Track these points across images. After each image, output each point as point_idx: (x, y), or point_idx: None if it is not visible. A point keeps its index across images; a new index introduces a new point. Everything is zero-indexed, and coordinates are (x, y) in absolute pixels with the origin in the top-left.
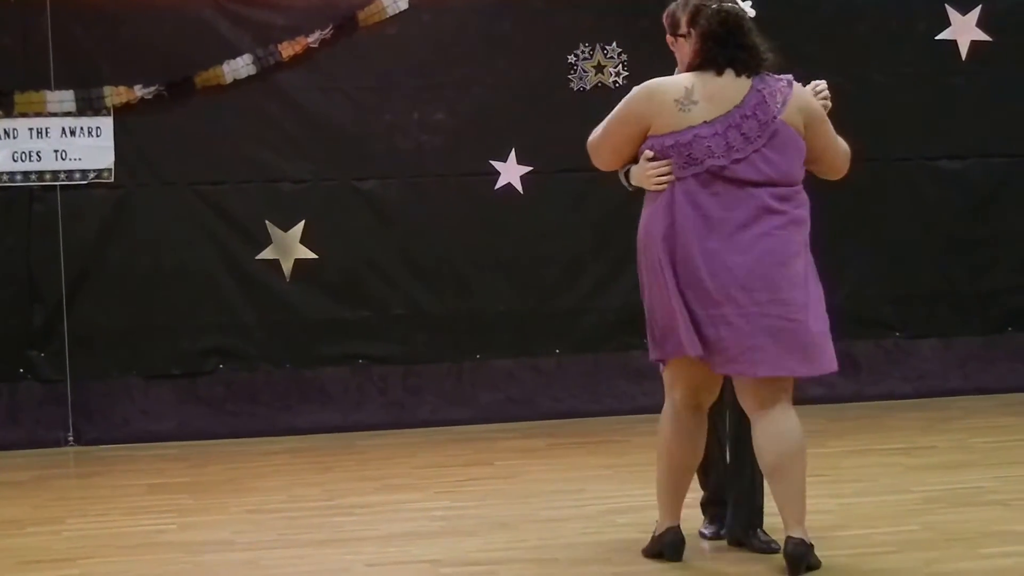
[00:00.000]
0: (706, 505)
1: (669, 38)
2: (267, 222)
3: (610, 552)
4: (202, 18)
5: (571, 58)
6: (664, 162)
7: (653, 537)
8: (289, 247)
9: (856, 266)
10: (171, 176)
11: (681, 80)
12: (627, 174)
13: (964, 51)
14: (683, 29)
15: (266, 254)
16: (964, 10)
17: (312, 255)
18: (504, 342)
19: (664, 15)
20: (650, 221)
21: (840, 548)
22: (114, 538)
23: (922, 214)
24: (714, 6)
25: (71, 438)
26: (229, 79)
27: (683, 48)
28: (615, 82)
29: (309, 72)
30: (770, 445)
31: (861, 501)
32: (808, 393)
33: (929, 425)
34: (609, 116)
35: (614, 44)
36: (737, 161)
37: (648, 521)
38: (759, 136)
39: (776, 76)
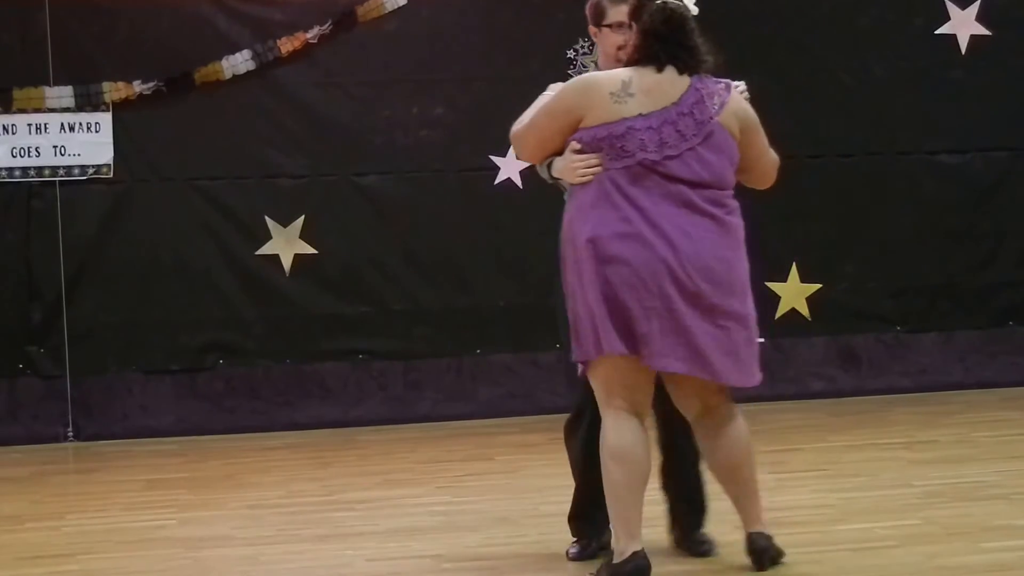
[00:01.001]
0: (572, 519)
1: (592, 28)
2: (266, 217)
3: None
4: (201, 13)
5: (570, 53)
6: (592, 155)
7: (612, 565)
8: (288, 242)
9: (856, 260)
10: (170, 172)
11: (618, 74)
12: (548, 166)
13: (964, 45)
14: (608, 20)
15: (265, 249)
16: (963, 4)
17: (312, 250)
18: (504, 337)
19: (588, 5)
20: (576, 215)
21: (841, 542)
22: (113, 533)
23: (922, 208)
24: (658, 2)
25: (70, 434)
26: (228, 75)
27: (608, 39)
28: None
29: (308, 67)
30: (724, 447)
31: (862, 495)
32: (808, 388)
33: (930, 419)
34: (536, 108)
35: None
36: (670, 158)
37: (649, 516)
38: (694, 135)
39: (715, 79)
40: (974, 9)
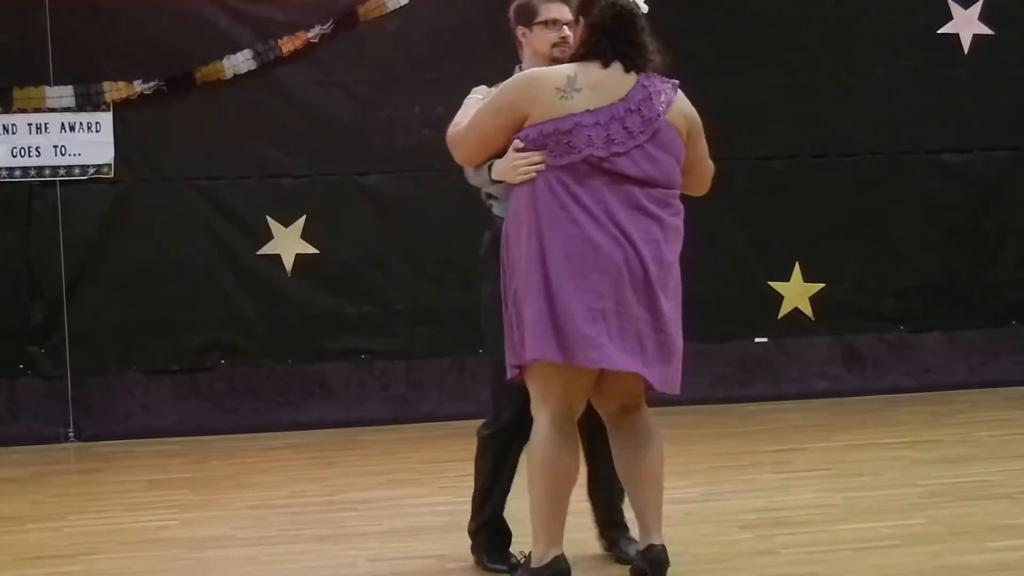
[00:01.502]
0: (478, 531)
1: (520, 29)
2: (268, 217)
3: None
4: (201, 13)
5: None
6: (534, 152)
7: (532, 569)
8: (290, 242)
9: (859, 260)
10: (171, 171)
11: (562, 69)
12: (489, 169)
13: (966, 45)
14: (542, 17)
15: (267, 249)
16: (966, 4)
17: (313, 250)
18: None
19: (513, 8)
20: (517, 215)
21: (845, 542)
22: (115, 534)
23: (925, 207)
24: None
25: (71, 434)
26: (229, 74)
27: (540, 36)
28: None
29: (309, 67)
30: (643, 452)
31: (866, 495)
32: (812, 387)
33: (934, 419)
34: (477, 108)
35: None
36: (617, 155)
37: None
38: (642, 132)
39: (662, 78)
40: (977, 9)
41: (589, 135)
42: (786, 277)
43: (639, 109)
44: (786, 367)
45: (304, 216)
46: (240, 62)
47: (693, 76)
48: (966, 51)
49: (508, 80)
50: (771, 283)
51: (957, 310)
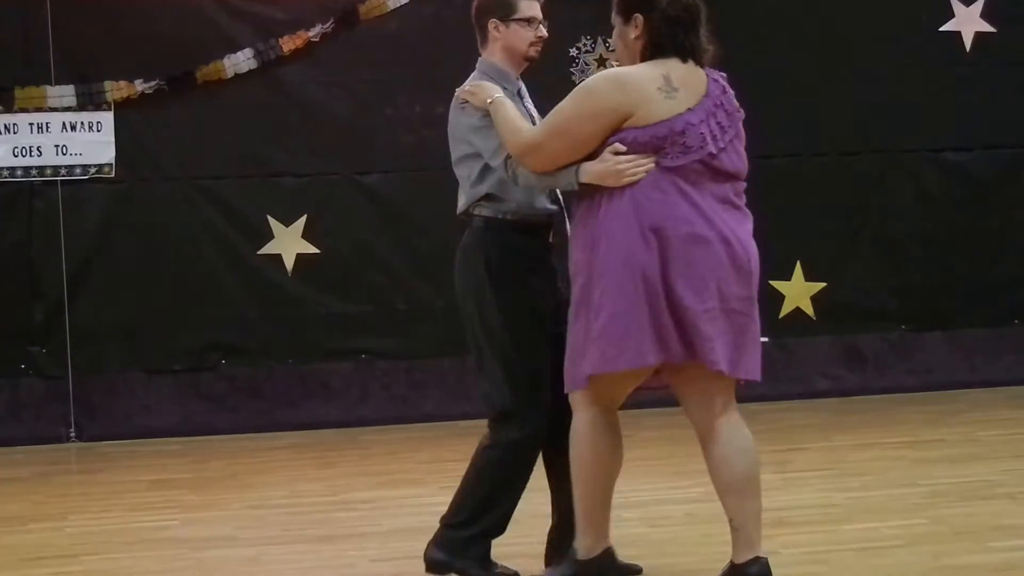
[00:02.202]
0: (475, 541)
1: (493, 22)
2: (269, 217)
3: (617, 547)
4: (202, 12)
5: (573, 51)
6: (640, 156)
7: (581, 562)
8: (291, 242)
9: (861, 258)
10: (172, 171)
11: (654, 69)
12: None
13: (968, 42)
14: (522, 14)
15: (268, 249)
16: (968, 1)
17: (314, 250)
18: None
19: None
20: (620, 218)
21: (847, 542)
22: (116, 534)
23: (927, 206)
24: None
25: (73, 434)
26: (230, 73)
27: (518, 34)
28: None
29: (310, 66)
30: (739, 457)
31: (868, 495)
32: (813, 387)
33: (936, 418)
34: (560, 114)
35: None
36: (721, 151)
37: (656, 516)
38: (730, 126)
39: (713, 70)
40: (979, 6)
41: (702, 133)
42: (787, 276)
43: (722, 104)
44: (787, 367)
45: (305, 216)
46: (241, 61)
47: None
48: (968, 49)
49: (595, 83)
50: (772, 282)
51: (959, 309)
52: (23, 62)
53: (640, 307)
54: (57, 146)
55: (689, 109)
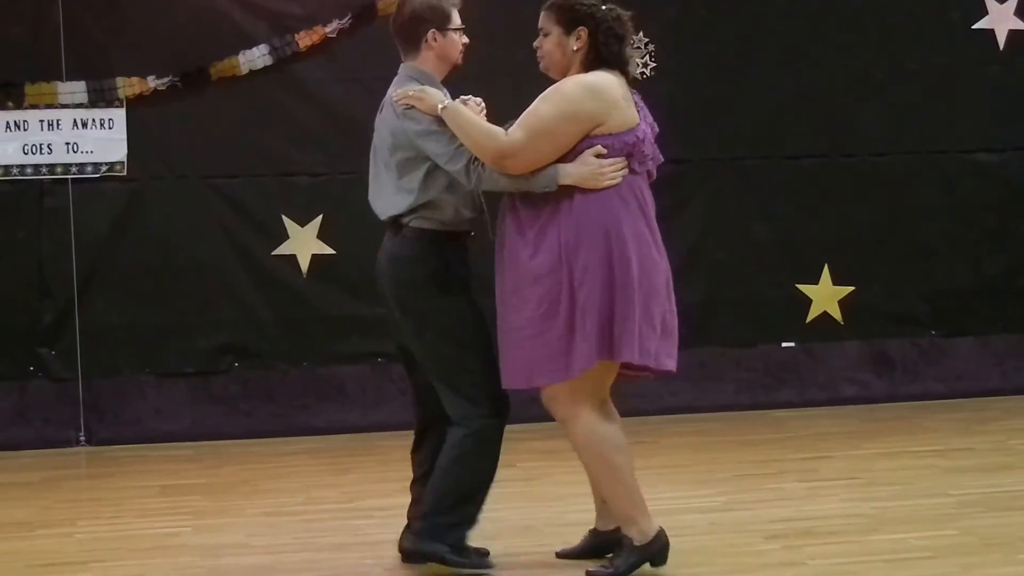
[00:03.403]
0: (455, 529)
1: (432, 31)
2: (283, 216)
3: None
4: (217, 7)
5: None
6: (619, 159)
7: (642, 547)
8: (306, 242)
9: (890, 262)
10: (185, 169)
11: (612, 78)
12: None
13: (1001, 41)
14: (455, 24)
15: (282, 249)
16: None
17: (330, 250)
18: None
19: (420, 5)
20: (607, 215)
21: (875, 553)
22: (127, 541)
23: (958, 208)
24: (604, 7)
25: (82, 438)
26: (245, 70)
27: (453, 43)
28: (642, 73)
29: (327, 62)
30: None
31: (896, 505)
32: (840, 393)
33: (966, 426)
34: (540, 118)
35: (640, 34)
36: (655, 162)
37: (679, 525)
38: (655, 140)
39: None
40: (1013, 4)
41: (652, 144)
42: (815, 280)
43: (646, 116)
44: (814, 372)
45: (320, 215)
46: (256, 57)
47: (722, 72)
48: (1001, 47)
49: (572, 87)
50: (799, 286)
51: (990, 314)
52: (33, 58)
53: (629, 301)
54: (68, 143)
55: (641, 119)
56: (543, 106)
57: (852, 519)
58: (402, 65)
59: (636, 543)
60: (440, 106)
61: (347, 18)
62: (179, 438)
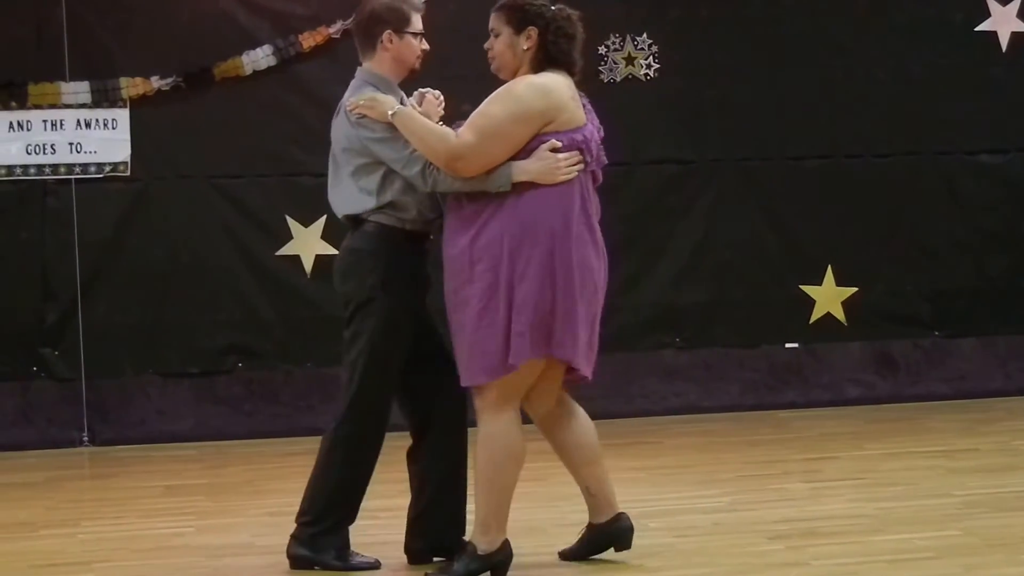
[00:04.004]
0: (336, 529)
1: (388, 34)
2: (287, 217)
3: (642, 557)
4: (220, 7)
5: (601, 49)
6: (574, 153)
7: (483, 556)
8: (310, 242)
9: (894, 263)
10: (189, 169)
11: (560, 78)
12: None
13: (1004, 42)
14: (414, 28)
15: (286, 250)
16: (1004, 0)
17: (333, 251)
18: None
19: (380, 6)
20: (551, 213)
21: (879, 553)
22: (130, 541)
23: (961, 209)
24: (554, 7)
25: (86, 438)
26: (248, 70)
27: (410, 46)
28: (646, 74)
29: (331, 63)
30: (582, 428)
31: (900, 505)
32: (844, 394)
33: (970, 427)
34: (492, 119)
35: (644, 35)
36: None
37: (682, 525)
38: (601, 142)
39: None
40: (1015, 6)
41: (598, 143)
42: (818, 281)
43: (593, 119)
44: (818, 373)
45: (324, 216)
46: (260, 58)
47: (726, 73)
48: (1004, 49)
49: (519, 88)
50: (802, 287)
51: (994, 315)
52: (37, 58)
53: (571, 300)
54: (71, 144)
55: (585, 120)
56: (493, 107)
57: (856, 519)
58: (359, 68)
59: (480, 551)
60: (390, 112)
61: (350, 18)
62: (182, 438)
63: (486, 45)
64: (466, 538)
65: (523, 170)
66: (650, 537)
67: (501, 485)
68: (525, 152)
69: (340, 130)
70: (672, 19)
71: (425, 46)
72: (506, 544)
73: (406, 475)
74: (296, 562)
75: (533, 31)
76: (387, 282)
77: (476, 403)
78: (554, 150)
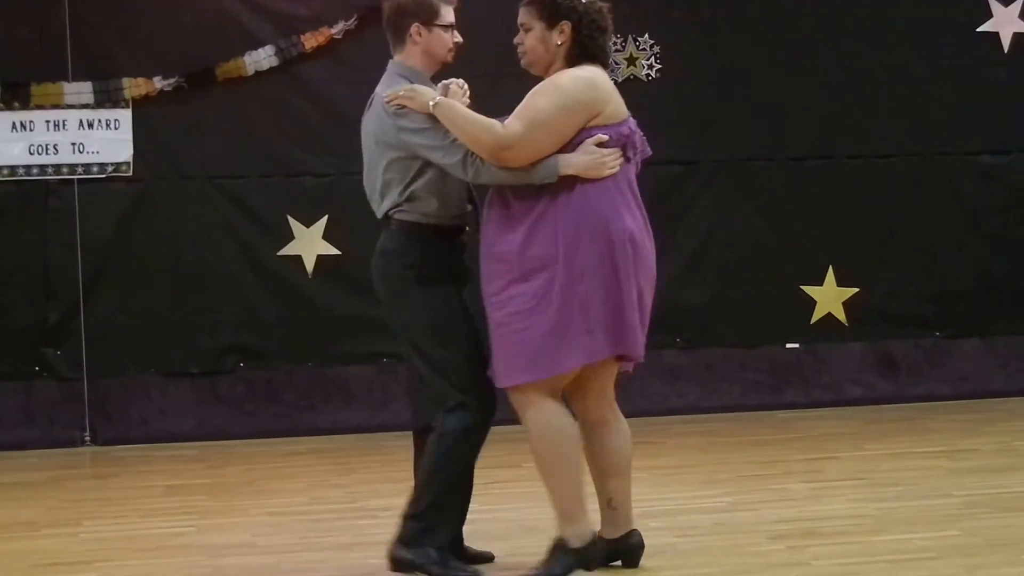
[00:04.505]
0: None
1: (415, 26)
2: (289, 217)
3: (643, 557)
4: (223, 8)
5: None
6: (616, 148)
7: (579, 550)
8: (311, 243)
9: (895, 263)
10: (191, 170)
11: (600, 72)
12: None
13: (1006, 43)
14: (444, 20)
15: (288, 250)
16: (1006, 1)
17: (335, 251)
18: None
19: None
20: (607, 207)
21: (879, 554)
22: (131, 540)
23: (963, 210)
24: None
25: (87, 438)
26: (251, 71)
27: (440, 39)
28: (647, 74)
29: (333, 64)
30: (627, 442)
31: (900, 505)
32: (845, 395)
33: (971, 427)
34: (539, 110)
35: (646, 36)
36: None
37: (684, 525)
38: (639, 132)
39: None
40: (1017, 6)
41: (641, 136)
42: (819, 281)
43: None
44: (819, 374)
45: (326, 216)
46: (262, 58)
47: (726, 74)
48: (1006, 50)
49: (566, 81)
50: (803, 287)
51: (995, 316)
52: (40, 58)
53: (630, 299)
54: (74, 144)
55: (628, 113)
56: (540, 99)
57: (857, 520)
58: (390, 61)
59: (572, 546)
60: (432, 103)
61: (353, 19)
62: (184, 438)
63: (516, 40)
64: (555, 534)
65: (568, 163)
66: (651, 537)
67: (568, 468)
68: (572, 146)
69: (372, 123)
70: (674, 20)
71: (458, 39)
72: (597, 539)
73: (406, 475)
74: (398, 564)
75: (567, 25)
76: (422, 278)
77: (515, 402)
78: (601, 144)
